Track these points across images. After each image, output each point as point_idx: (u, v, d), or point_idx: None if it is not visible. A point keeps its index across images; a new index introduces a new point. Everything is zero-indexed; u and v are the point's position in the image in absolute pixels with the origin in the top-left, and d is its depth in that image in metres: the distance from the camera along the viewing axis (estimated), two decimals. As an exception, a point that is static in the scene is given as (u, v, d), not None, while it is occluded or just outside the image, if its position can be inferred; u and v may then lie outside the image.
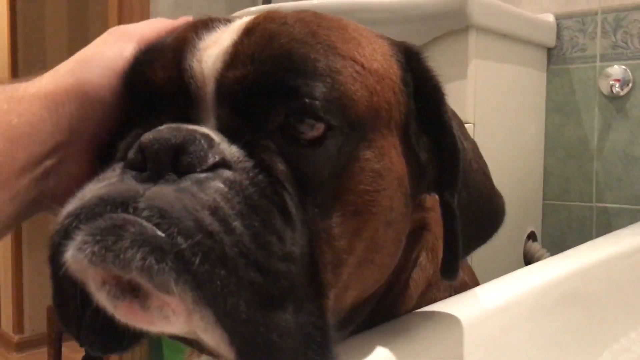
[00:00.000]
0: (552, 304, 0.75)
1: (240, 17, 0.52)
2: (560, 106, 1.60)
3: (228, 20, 0.51)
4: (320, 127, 0.45)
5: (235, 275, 0.38)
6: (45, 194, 0.49)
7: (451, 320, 0.59)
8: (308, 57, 0.46)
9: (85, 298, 0.42)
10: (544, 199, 1.63)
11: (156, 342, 1.75)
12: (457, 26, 1.26)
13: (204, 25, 0.50)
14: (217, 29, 0.49)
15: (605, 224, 1.54)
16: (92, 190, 0.42)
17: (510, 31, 1.40)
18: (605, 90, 1.52)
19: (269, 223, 0.41)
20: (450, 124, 0.53)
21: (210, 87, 0.46)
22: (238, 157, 0.43)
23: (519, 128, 1.51)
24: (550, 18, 1.59)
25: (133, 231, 0.37)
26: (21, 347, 2.91)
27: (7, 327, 3.02)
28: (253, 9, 1.43)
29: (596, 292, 0.86)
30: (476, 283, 0.74)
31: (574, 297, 0.80)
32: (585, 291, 0.83)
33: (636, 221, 1.40)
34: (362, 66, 0.49)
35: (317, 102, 0.44)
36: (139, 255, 0.37)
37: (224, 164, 0.42)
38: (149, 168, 0.41)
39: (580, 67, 1.57)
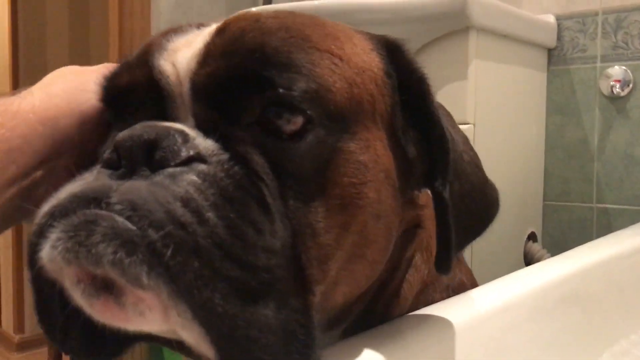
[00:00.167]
0: (552, 305, 0.75)
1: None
2: (561, 107, 1.60)
3: (202, 25, 0.51)
4: (298, 121, 0.44)
5: (210, 266, 0.38)
6: (32, 203, 0.50)
7: (445, 324, 0.58)
8: (281, 49, 0.45)
9: (66, 304, 0.42)
10: (544, 200, 1.63)
11: (157, 349, 1.74)
12: (457, 27, 1.26)
13: (175, 31, 0.50)
14: (188, 32, 0.49)
15: (605, 225, 1.54)
16: (67, 190, 0.42)
17: (511, 32, 1.40)
18: (605, 90, 1.52)
19: (245, 214, 0.41)
20: (438, 115, 0.52)
21: (185, 87, 0.46)
22: (213, 151, 0.43)
23: (520, 129, 1.51)
24: (550, 19, 1.59)
25: (105, 225, 0.37)
26: (22, 347, 2.91)
27: (8, 327, 3.02)
28: (254, 9, 1.43)
29: (596, 293, 0.86)
30: (474, 284, 0.74)
31: (574, 298, 0.80)
32: (585, 292, 0.83)
33: (637, 222, 1.40)
34: (340, 58, 0.48)
35: (293, 93, 0.44)
36: (110, 249, 0.36)
37: (198, 157, 0.42)
38: (123, 165, 0.41)
39: (581, 67, 1.57)
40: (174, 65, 0.47)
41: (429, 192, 0.55)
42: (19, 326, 2.96)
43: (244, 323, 0.39)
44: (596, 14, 1.54)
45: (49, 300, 0.43)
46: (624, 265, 0.96)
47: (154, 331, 0.41)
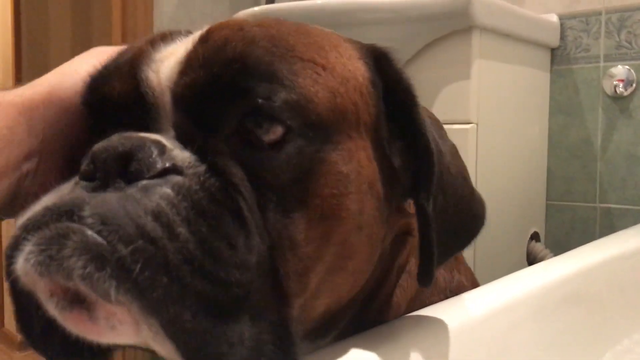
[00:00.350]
0: (554, 305, 0.75)
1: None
2: (564, 106, 1.60)
3: (190, 32, 0.50)
4: (278, 130, 0.44)
5: (180, 282, 0.37)
6: (22, 197, 0.50)
7: (440, 325, 0.58)
8: (262, 59, 0.45)
9: (45, 312, 0.41)
10: (547, 200, 1.63)
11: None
12: (460, 26, 1.26)
13: (163, 38, 0.49)
14: (176, 41, 0.49)
15: (608, 225, 1.54)
16: (42, 202, 0.42)
17: (514, 31, 1.40)
18: (609, 90, 1.52)
19: (218, 229, 0.40)
20: (423, 126, 0.51)
21: (166, 97, 0.46)
22: (190, 162, 0.42)
23: (523, 128, 1.51)
24: (554, 18, 1.59)
25: (76, 239, 0.37)
26: (24, 346, 2.92)
27: (11, 326, 3.03)
28: (256, 8, 1.43)
29: (599, 293, 0.86)
30: (475, 284, 0.74)
31: (577, 298, 0.80)
32: (588, 292, 0.83)
33: (640, 222, 1.40)
34: (323, 68, 0.48)
35: (272, 103, 0.43)
36: (80, 264, 0.36)
37: (174, 169, 0.41)
38: (98, 177, 0.41)
39: (584, 67, 1.57)
40: (157, 75, 0.46)
41: (413, 203, 0.55)
42: (22, 325, 2.96)
43: (214, 339, 0.39)
44: (599, 13, 1.54)
45: (29, 308, 0.43)
46: (626, 265, 0.96)
47: (127, 343, 0.41)
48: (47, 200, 0.42)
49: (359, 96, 0.50)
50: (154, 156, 0.41)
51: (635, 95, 1.50)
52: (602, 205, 1.56)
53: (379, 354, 0.50)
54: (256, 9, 1.43)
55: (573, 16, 1.58)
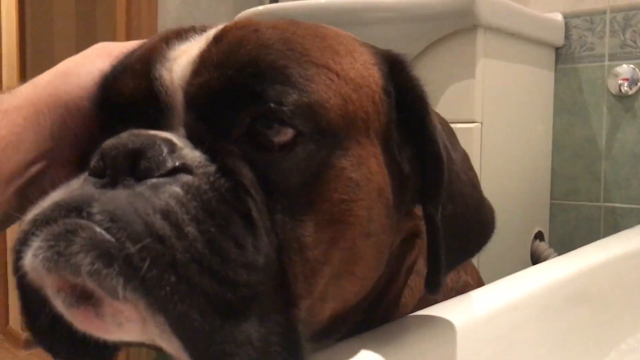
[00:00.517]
0: (558, 304, 0.75)
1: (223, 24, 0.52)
2: (568, 106, 1.60)
3: (205, 29, 0.50)
4: (288, 132, 0.44)
5: (187, 281, 0.37)
6: (30, 199, 0.50)
7: (446, 324, 0.58)
8: (276, 63, 0.45)
9: (52, 309, 0.42)
10: (551, 199, 1.63)
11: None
12: (464, 25, 1.25)
13: (176, 35, 0.49)
14: (189, 38, 0.49)
15: (613, 224, 1.54)
16: (51, 198, 0.42)
17: (518, 30, 1.40)
18: (613, 89, 1.52)
19: (227, 229, 0.40)
20: (435, 134, 0.51)
21: (179, 95, 0.46)
22: (200, 162, 0.42)
23: (527, 127, 1.51)
24: (558, 17, 1.58)
25: (84, 236, 0.37)
26: (29, 344, 2.92)
27: (15, 324, 3.04)
28: (261, 7, 1.43)
29: (603, 292, 0.86)
30: (481, 283, 0.74)
31: (581, 297, 0.80)
32: (592, 291, 0.83)
33: (644, 221, 1.40)
34: (337, 74, 0.48)
35: (283, 108, 0.43)
36: (87, 260, 0.36)
37: (184, 168, 0.41)
38: (107, 174, 0.41)
39: (589, 66, 1.56)
40: (170, 73, 0.46)
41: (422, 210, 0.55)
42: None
43: (221, 338, 0.39)
44: (604, 12, 1.54)
45: (35, 304, 0.43)
46: (630, 264, 0.96)
47: (133, 340, 0.41)
48: (56, 195, 0.42)
49: (371, 103, 0.50)
50: (164, 154, 0.41)
51: (639, 94, 1.50)
52: (606, 204, 1.55)
53: (385, 352, 0.50)
54: (260, 8, 1.43)
55: (577, 15, 1.58)
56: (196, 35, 0.49)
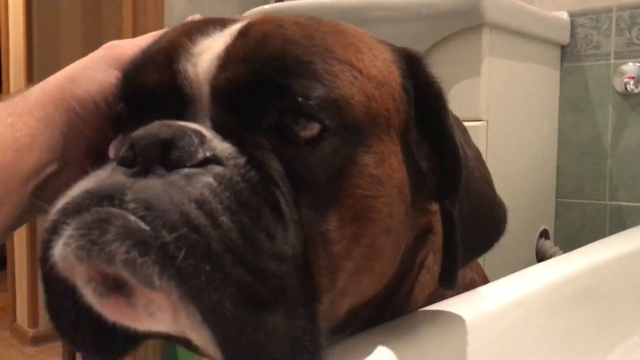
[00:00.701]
0: (565, 301, 0.75)
1: (240, 18, 0.52)
2: (574, 104, 1.60)
3: (225, 22, 0.50)
4: (315, 127, 0.44)
5: (221, 271, 0.37)
6: (45, 199, 0.51)
7: (456, 319, 0.58)
8: (302, 58, 0.45)
9: (78, 302, 0.42)
10: (557, 197, 1.63)
11: (170, 347, 1.73)
12: (470, 24, 1.26)
13: (198, 29, 0.49)
14: (212, 33, 0.49)
15: (618, 222, 1.54)
16: (80, 186, 0.42)
17: (524, 29, 1.40)
18: (619, 87, 1.52)
19: (258, 220, 0.40)
20: (452, 132, 0.52)
21: (204, 90, 0.46)
22: (230, 154, 0.42)
23: (533, 126, 1.51)
24: (564, 15, 1.58)
25: (118, 224, 0.37)
26: (36, 340, 2.94)
27: (23, 321, 3.05)
28: (266, 6, 1.44)
29: (609, 290, 0.86)
30: (486, 281, 0.74)
31: (587, 295, 0.80)
32: (598, 289, 0.83)
33: (650, 219, 1.40)
34: (360, 72, 0.48)
35: (311, 102, 0.44)
36: (122, 249, 0.36)
37: (214, 159, 0.41)
38: (138, 163, 0.41)
39: (595, 64, 1.56)
40: (195, 68, 0.46)
41: (438, 206, 0.55)
42: (33, 320, 2.99)
43: (252, 328, 0.39)
44: (610, 10, 1.54)
45: (60, 297, 0.43)
46: (636, 263, 0.96)
47: (163, 331, 0.41)
48: (86, 184, 0.41)
49: (392, 101, 0.50)
50: (195, 145, 0.41)
51: (645, 92, 1.50)
52: (612, 202, 1.55)
53: (395, 346, 0.51)
54: (266, 7, 1.44)
55: (583, 13, 1.57)
56: (218, 30, 0.49)
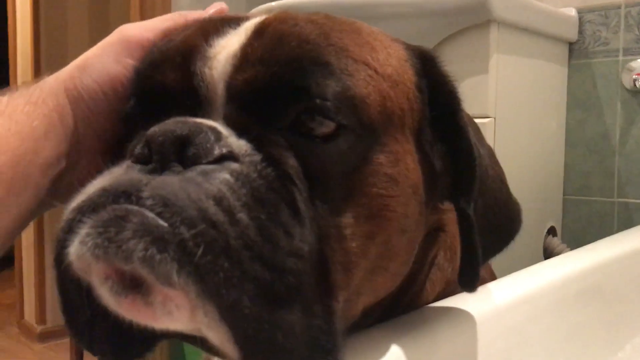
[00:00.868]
0: (573, 298, 0.75)
1: (253, 16, 0.52)
2: (582, 101, 1.59)
3: (239, 20, 0.50)
4: (331, 125, 0.44)
5: (240, 268, 0.37)
6: (62, 190, 0.52)
7: (465, 315, 0.59)
8: (319, 59, 0.45)
9: (93, 303, 0.41)
10: (564, 194, 1.62)
11: (177, 345, 1.74)
12: (478, 20, 1.25)
13: (214, 28, 0.49)
14: (227, 32, 0.49)
15: (626, 220, 1.53)
16: (96, 184, 0.41)
17: (532, 25, 1.39)
18: (627, 84, 1.51)
19: (276, 216, 0.40)
20: (467, 131, 0.52)
21: (220, 90, 0.46)
22: (246, 151, 0.42)
23: (540, 123, 1.50)
24: (572, 12, 1.58)
25: (135, 221, 0.37)
26: (44, 337, 2.95)
27: (31, 318, 3.07)
28: (274, 3, 1.43)
29: (618, 287, 0.86)
30: (493, 277, 0.74)
31: (596, 291, 0.80)
32: (606, 285, 0.83)
33: (658, 217, 1.39)
34: (375, 71, 0.48)
35: (328, 103, 0.44)
36: (141, 246, 0.36)
37: (231, 156, 0.41)
38: (154, 160, 0.41)
39: (603, 61, 1.56)
40: (210, 68, 0.46)
41: (452, 205, 0.55)
42: (41, 317, 3.00)
43: (269, 326, 0.38)
44: (619, 6, 1.53)
45: (75, 300, 0.43)
46: (645, 260, 0.96)
47: (179, 329, 0.41)
48: (102, 181, 0.41)
49: (406, 101, 0.50)
50: (211, 142, 0.41)
51: (654, 89, 1.49)
52: (620, 200, 1.55)
53: (403, 342, 0.51)
54: (273, 4, 1.43)
55: (592, 10, 1.57)
56: (233, 29, 0.49)
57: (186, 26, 0.53)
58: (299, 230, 0.41)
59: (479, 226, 0.52)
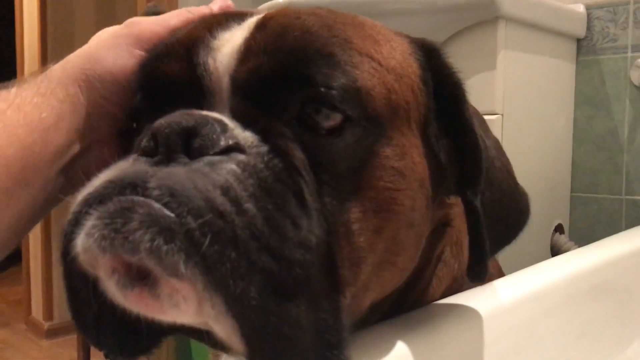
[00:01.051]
0: (582, 295, 0.74)
1: (258, 12, 0.52)
2: (590, 98, 1.58)
3: (243, 16, 0.50)
4: (337, 117, 0.44)
5: (247, 258, 0.37)
6: (71, 182, 0.52)
7: (472, 312, 0.58)
8: (323, 49, 0.45)
9: (99, 298, 0.41)
10: (572, 191, 1.61)
11: (183, 344, 1.74)
12: (486, 17, 1.25)
13: (219, 23, 0.49)
14: (231, 26, 0.49)
15: (634, 217, 1.52)
16: (102, 177, 0.41)
17: (540, 22, 1.38)
18: (636, 81, 1.50)
19: (283, 207, 0.40)
20: (472, 122, 0.51)
21: (225, 82, 0.46)
22: (252, 142, 0.42)
23: (548, 120, 1.50)
24: (580, 8, 1.57)
25: (142, 212, 0.37)
26: (51, 333, 2.97)
27: (38, 314, 3.08)
28: (280, 0, 1.43)
29: (626, 284, 0.86)
30: (501, 274, 0.74)
31: (604, 288, 0.80)
32: (615, 283, 0.83)
33: (667, 214, 1.38)
34: (379, 63, 0.48)
35: (333, 92, 0.43)
36: (147, 237, 0.36)
37: (237, 148, 0.41)
38: (160, 151, 0.41)
39: (611, 57, 1.55)
40: (215, 60, 0.46)
41: (460, 199, 0.55)
42: (48, 313, 3.01)
43: (276, 319, 0.38)
44: (627, 3, 1.52)
45: (82, 295, 0.43)
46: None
47: (186, 323, 0.41)
48: (108, 174, 0.41)
49: (411, 93, 0.50)
50: (217, 133, 0.41)
51: (663, 86, 1.48)
52: (628, 197, 1.54)
53: (410, 339, 0.51)
54: (280, 0, 1.43)
55: (600, 6, 1.56)
56: (237, 23, 0.49)
57: (191, 21, 0.53)
58: (306, 222, 0.41)
59: (486, 218, 0.52)
